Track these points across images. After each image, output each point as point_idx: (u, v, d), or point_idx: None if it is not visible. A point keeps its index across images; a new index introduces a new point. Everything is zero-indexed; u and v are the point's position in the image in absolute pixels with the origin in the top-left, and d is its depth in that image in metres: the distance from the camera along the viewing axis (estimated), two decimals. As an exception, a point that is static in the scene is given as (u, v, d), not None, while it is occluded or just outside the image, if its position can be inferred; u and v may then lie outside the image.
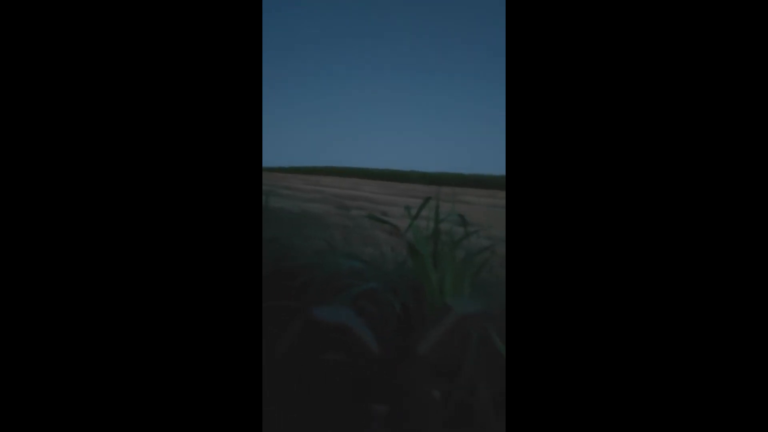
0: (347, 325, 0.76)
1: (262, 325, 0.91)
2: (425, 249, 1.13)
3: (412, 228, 1.19)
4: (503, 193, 12.42)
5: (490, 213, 6.77)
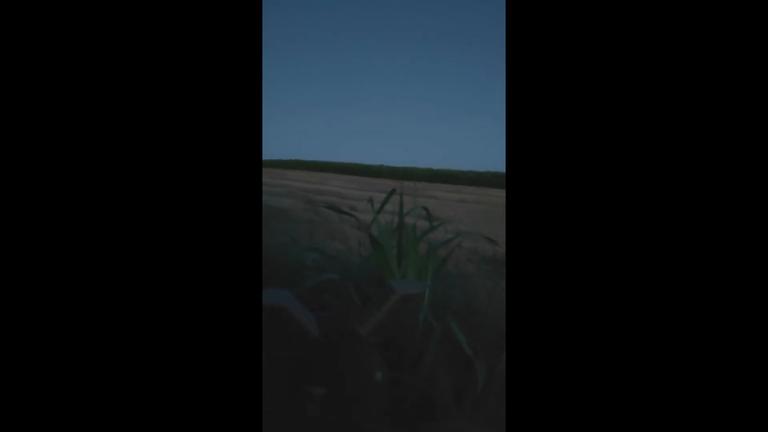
0: (284, 307, 0.74)
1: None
2: (388, 242, 1.12)
3: (375, 221, 1.18)
4: (471, 189, 12.67)
5: (457, 208, 6.89)
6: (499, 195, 10.64)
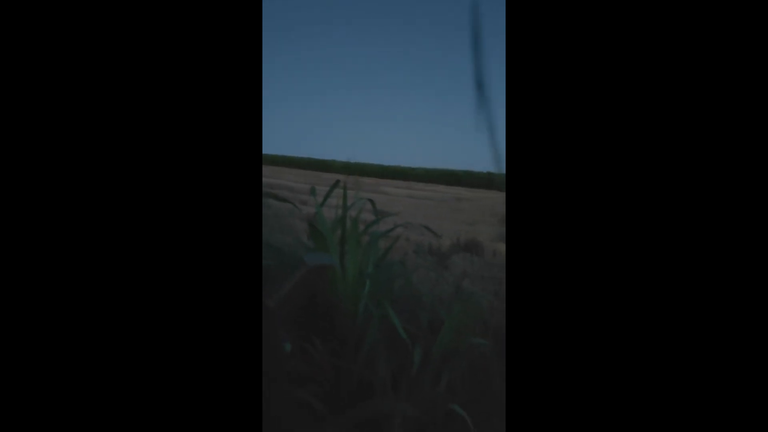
0: None
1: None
2: (327, 231, 1.13)
3: (317, 211, 1.18)
4: (420, 185, 12.90)
5: (407, 203, 7.00)
6: (447, 191, 10.95)
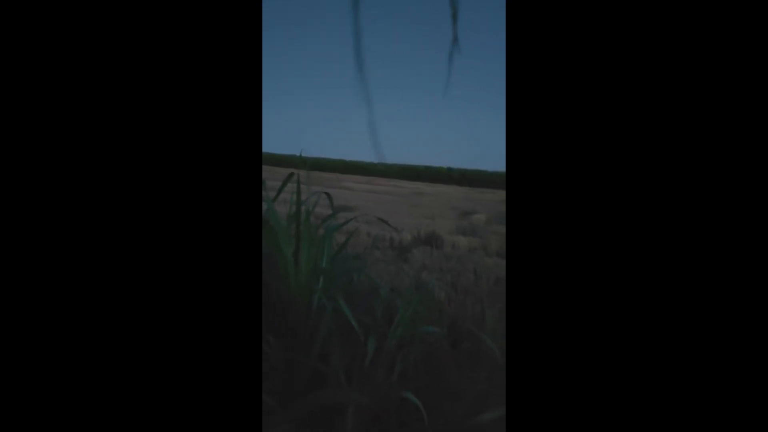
0: None
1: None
2: (279, 225, 1.12)
3: (269, 205, 1.16)
4: (381, 180, 12.97)
5: (368, 198, 7.01)
6: (406, 186, 11.08)
